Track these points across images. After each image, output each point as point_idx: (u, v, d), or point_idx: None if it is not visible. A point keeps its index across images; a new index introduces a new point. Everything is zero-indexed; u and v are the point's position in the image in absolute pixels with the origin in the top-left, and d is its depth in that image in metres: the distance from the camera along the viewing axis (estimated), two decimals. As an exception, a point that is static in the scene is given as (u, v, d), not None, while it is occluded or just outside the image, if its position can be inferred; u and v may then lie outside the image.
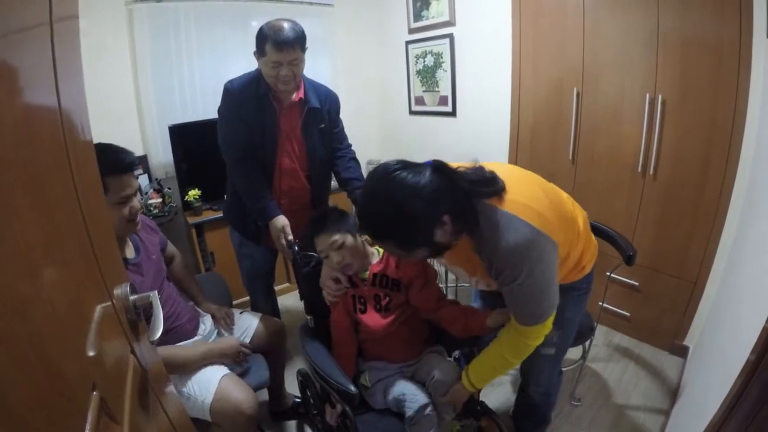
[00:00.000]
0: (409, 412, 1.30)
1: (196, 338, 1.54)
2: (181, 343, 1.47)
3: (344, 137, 1.93)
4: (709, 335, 1.88)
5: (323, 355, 1.40)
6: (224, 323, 1.64)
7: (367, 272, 1.44)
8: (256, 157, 1.68)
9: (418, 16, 2.99)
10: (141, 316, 0.78)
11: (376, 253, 1.48)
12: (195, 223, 2.42)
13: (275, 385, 1.83)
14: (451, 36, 2.82)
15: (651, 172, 2.10)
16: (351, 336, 1.46)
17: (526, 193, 1.07)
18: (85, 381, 0.53)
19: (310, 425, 1.85)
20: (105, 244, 0.73)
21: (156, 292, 0.80)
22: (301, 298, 1.59)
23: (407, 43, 3.14)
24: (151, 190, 2.36)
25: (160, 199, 2.33)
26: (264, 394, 1.89)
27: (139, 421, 0.69)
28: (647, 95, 2.02)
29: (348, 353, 1.46)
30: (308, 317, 1.55)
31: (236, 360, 1.51)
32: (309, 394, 1.69)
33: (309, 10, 2.94)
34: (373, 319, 1.43)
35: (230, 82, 1.66)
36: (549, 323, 1.13)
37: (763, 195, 1.51)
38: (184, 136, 2.41)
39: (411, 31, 3.08)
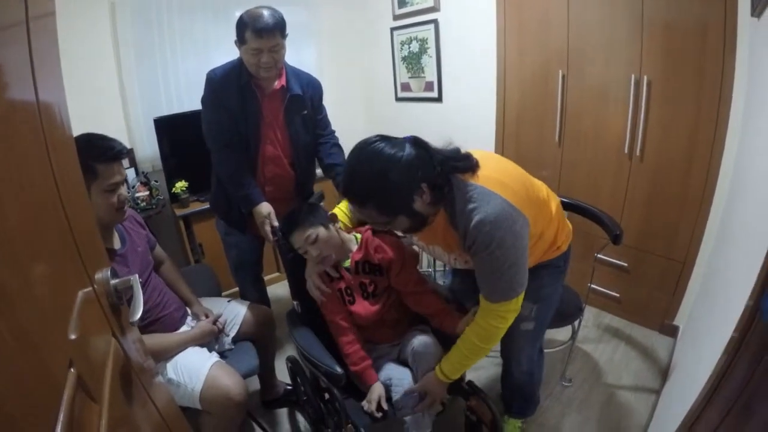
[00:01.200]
0: (395, 396, 1.33)
1: (184, 327, 1.55)
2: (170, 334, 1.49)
3: (327, 123, 1.94)
4: (698, 315, 1.91)
5: (310, 339, 1.42)
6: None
7: (349, 261, 1.46)
8: (239, 145, 1.69)
9: (402, 3, 2.99)
10: (123, 300, 0.80)
11: (354, 240, 1.50)
12: (183, 215, 2.43)
13: (266, 373, 1.86)
14: (435, 21, 2.83)
15: (638, 153, 2.12)
16: (351, 326, 1.47)
17: (499, 170, 1.15)
18: (62, 359, 0.54)
19: (301, 412, 1.88)
20: (86, 232, 0.74)
21: (136, 276, 0.82)
22: (289, 282, 1.62)
23: (392, 29, 3.14)
24: (138, 184, 2.37)
25: (147, 192, 2.34)
26: (255, 383, 1.91)
27: (120, 402, 0.71)
28: (632, 76, 2.04)
29: (355, 339, 1.45)
30: (295, 302, 1.57)
31: (212, 338, 1.55)
32: (299, 380, 1.72)
33: (294, -2, 2.92)
34: (363, 307, 1.45)
35: (212, 71, 1.67)
36: (517, 304, 1.16)
37: (749, 176, 1.53)
38: (169, 128, 2.41)
39: (396, 17, 3.09)
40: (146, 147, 2.53)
